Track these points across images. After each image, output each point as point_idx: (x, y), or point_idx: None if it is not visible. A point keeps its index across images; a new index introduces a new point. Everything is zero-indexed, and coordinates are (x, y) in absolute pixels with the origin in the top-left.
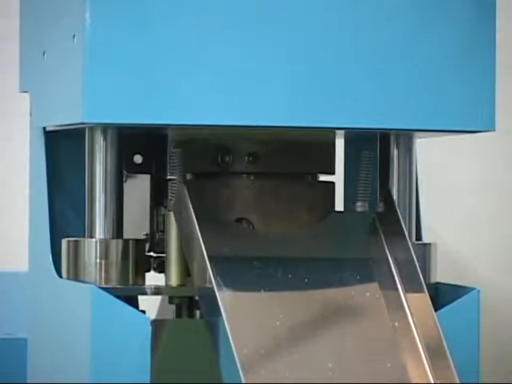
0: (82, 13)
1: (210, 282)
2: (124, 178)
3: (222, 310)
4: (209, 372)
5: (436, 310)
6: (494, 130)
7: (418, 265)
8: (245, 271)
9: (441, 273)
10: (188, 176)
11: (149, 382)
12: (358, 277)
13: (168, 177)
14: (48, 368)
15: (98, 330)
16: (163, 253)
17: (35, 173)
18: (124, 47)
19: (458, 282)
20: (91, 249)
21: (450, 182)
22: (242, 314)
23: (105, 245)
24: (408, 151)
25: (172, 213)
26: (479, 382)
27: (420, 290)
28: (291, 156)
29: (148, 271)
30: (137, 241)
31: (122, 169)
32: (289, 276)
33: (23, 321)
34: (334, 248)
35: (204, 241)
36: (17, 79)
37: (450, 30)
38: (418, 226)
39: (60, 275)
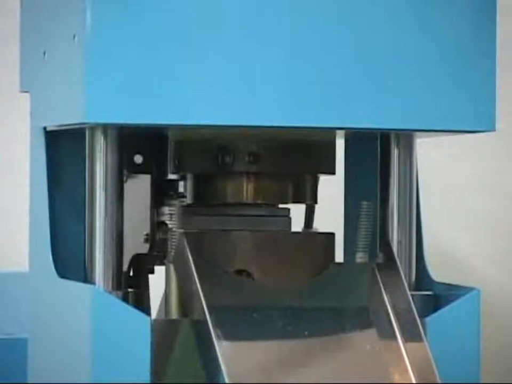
0: (82, 13)
1: (209, 334)
2: (124, 178)
3: (221, 362)
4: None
5: (436, 310)
6: (494, 130)
7: (418, 315)
8: (244, 323)
9: (441, 273)
10: (189, 177)
11: (149, 382)
12: (358, 329)
13: (169, 177)
14: (48, 368)
15: (98, 330)
16: (163, 252)
17: (35, 173)
18: (124, 47)
19: (458, 282)
20: None
21: (450, 182)
22: (242, 367)
23: None
24: (408, 151)
25: (171, 265)
26: (479, 382)
27: (419, 341)
28: (291, 156)
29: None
30: (137, 292)
31: (123, 169)
32: (289, 327)
33: (24, 321)
34: (334, 299)
35: (203, 294)
36: (17, 79)
37: (451, 30)
38: (419, 226)
39: (60, 275)
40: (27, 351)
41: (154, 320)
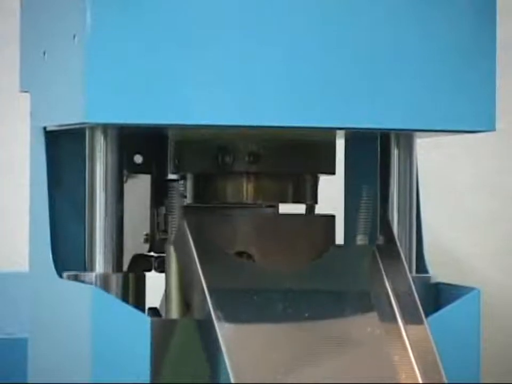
0: (82, 13)
1: (210, 315)
2: (124, 178)
3: (221, 343)
4: (208, 372)
5: (436, 310)
6: (494, 130)
7: (418, 297)
8: (244, 305)
9: (441, 273)
10: (189, 177)
11: (149, 382)
12: (359, 311)
13: (169, 177)
14: (48, 368)
15: (98, 330)
16: (163, 252)
17: (35, 173)
18: (124, 47)
19: (458, 282)
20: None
21: (450, 182)
22: (242, 349)
23: (104, 279)
24: (408, 151)
25: (172, 246)
26: (479, 382)
27: (420, 324)
28: (291, 156)
29: (149, 270)
30: (137, 275)
31: (123, 169)
32: (290, 310)
33: (24, 321)
34: (334, 281)
35: (203, 275)
36: (17, 79)
37: (451, 30)
38: (419, 228)
39: (60, 275)
40: (27, 351)
41: (154, 320)
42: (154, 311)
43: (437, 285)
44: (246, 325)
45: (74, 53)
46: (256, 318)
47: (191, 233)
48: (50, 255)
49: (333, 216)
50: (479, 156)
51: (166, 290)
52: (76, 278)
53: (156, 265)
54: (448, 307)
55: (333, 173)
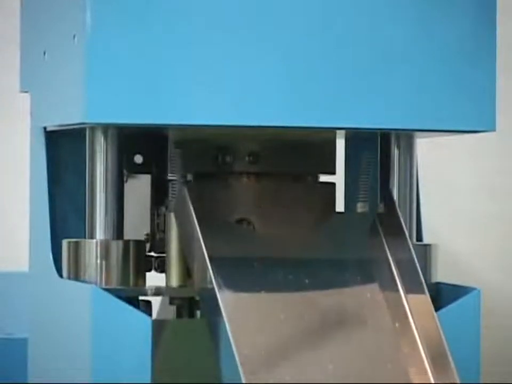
0: (82, 13)
1: (211, 283)
2: (125, 178)
3: (222, 310)
4: (209, 371)
5: (436, 310)
6: (494, 130)
7: (419, 265)
8: (245, 272)
9: (441, 273)
10: (189, 177)
11: (149, 382)
12: (359, 278)
13: (169, 177)
14: (48, 368)
15: (98, 330)
16: (164, 252)
17: (35, 173)
18: (124, 47)
19: (458, 282)
20: (91, 250)
21: (450, 182)
22: (243, 315)
23: (105, 245)
24: (408, 151)
25: (172, 214)
26: (479, 382)
27: (421, 291)
28: (291, 156)
29: (149, 271)
30: (137, 242)
31: (123, 169)
32: (290, 277)
33: (24, 321)
34: (335, 249)
35: (204, 242)
36: (17, 79)
37: (451, 29)
38: (419, 226)
39: (60, 275)
40: (27, 351)
41: (155, 320)
42: (146, 304)
43: (437, 285)
44: (247, 292)
45: (74, 53)
46: (256, 285)
47: (192, 200)
48: (50, 255)
49: (333, 184)
50: (479, 156)
51: (166, 258)
52: (76, 246)
53: (156, 265)
54: (448, 307)
55: (333, 172)
